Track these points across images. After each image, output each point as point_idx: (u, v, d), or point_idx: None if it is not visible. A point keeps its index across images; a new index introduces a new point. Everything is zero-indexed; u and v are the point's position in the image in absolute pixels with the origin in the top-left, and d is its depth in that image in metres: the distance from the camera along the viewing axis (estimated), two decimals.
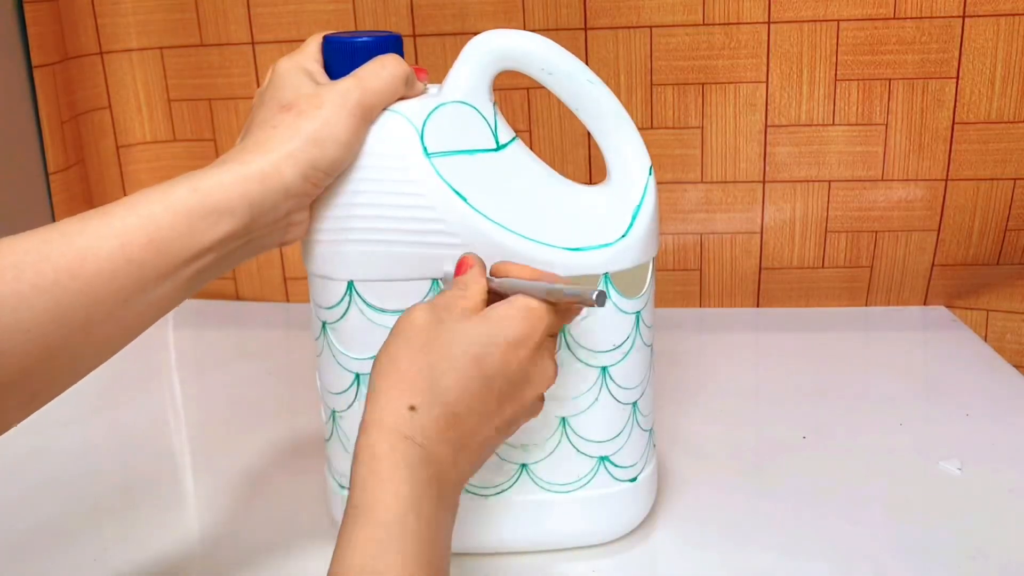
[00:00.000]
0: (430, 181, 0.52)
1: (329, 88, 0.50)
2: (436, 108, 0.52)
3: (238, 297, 1.07)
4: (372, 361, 0.47)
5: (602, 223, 0.56)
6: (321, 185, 0.50)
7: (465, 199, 0.52)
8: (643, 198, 0.56)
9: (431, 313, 0.46)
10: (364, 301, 0.53)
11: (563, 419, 0.56)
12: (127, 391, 0.83)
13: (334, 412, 0.57)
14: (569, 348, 0.55)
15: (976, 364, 0.84)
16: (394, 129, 0.52)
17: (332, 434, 0.58)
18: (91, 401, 0.80)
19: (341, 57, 0.52)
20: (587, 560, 0.59)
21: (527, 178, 0.56)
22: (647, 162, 0.58)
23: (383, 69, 0.51)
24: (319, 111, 0.49)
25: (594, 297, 0.46)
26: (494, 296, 0.49)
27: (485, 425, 0.46)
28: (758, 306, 0.99)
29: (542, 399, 0.50)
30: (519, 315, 0.47)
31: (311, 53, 0.53)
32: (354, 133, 0.50)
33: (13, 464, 0.71)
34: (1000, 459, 0.68)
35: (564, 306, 0.49)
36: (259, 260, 1.05)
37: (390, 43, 0.53)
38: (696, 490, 0.65)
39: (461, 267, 0.50)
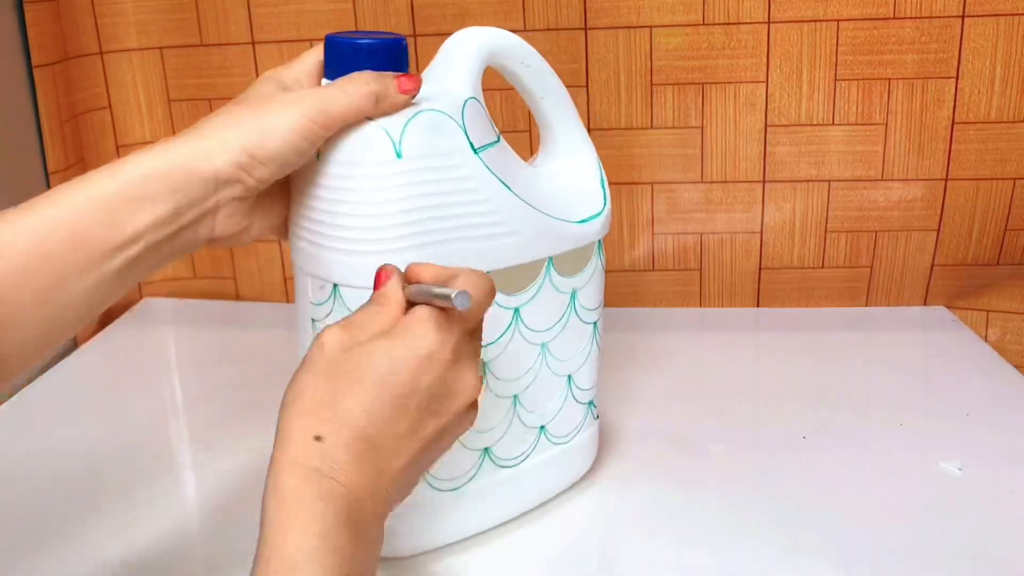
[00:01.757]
0: (482, 175, 0.53)
1: (287, 93, 0.49)
2: (465, 103, 0.53)
3: (238, 297, 1.07)
4: None
5: (582, 196, 0.61)
6: (257, 178, 0.48)
7: (510, 188, 0.54)
8: (601, 172, 0.64)
9: (341, 336, 0.43)
10: None
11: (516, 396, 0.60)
12: (127, 391, 0.83)
13: None
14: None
15: (976, 364, 0.84)
16: (442, 128, 0.52)
17: None
18: (92, 401, 0.80)
19: (343, 57, 0.52)
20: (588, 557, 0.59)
21: (517, 164, 0.59)
22: (589, 138, 0.65)
23: (349, 84, 0.49)
24: (268, 106, 0.48)
25: (453, 296, 0.42)
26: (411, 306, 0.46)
27: (406, 446, 0.42)
28: (758, 306, 0.99)
29: (473, 408, 0.46)
30: (421, 328, 0.43)
31: (302, 68, 0.52)
32: (300, 134, 0.48)
33: (13, 464, 0.71)
34: (1000, 459, 0.68)
35: (476, 310, 0.46)
36: (259, 260, 1.05)
37: (393, 46, 0.52)
38: (696, 490, 0.65)
39: (379, 280, 0.46)
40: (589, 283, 0.61)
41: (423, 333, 0.43)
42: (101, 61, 0.99)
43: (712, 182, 0.95)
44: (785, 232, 0.96)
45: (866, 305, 0.98)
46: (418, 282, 0.46)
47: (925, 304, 0.97)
